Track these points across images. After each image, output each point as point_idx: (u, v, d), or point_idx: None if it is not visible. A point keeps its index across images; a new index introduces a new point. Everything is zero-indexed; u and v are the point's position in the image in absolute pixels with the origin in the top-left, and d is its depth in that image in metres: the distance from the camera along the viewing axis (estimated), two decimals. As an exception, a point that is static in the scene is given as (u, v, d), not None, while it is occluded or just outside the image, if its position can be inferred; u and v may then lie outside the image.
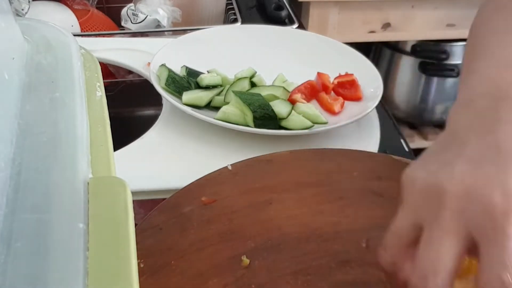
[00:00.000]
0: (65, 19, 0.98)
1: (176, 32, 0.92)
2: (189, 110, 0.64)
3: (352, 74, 0.71)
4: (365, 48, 1.59)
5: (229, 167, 0.52)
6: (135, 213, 0.24)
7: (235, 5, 1.02)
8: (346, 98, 0.69)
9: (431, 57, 1.58)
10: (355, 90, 0.70)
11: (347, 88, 0.70)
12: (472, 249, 0.31)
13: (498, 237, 0.29)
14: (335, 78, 0.71)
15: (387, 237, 0.34)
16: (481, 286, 0.29)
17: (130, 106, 1.06)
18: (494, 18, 0.43)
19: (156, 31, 0.95)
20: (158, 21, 0.94)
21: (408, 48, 1.62)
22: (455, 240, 0.31)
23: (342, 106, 0.68)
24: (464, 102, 0.37)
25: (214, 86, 0.70)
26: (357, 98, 0.69)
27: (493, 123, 0.33)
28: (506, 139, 0.32)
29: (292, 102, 0.66)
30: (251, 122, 0.62)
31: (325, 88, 0.70)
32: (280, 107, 0.64)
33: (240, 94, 0.63)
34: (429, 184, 0.32)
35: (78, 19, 0.99)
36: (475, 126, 0.34)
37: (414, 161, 0.36)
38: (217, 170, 0.51)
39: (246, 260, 0.42)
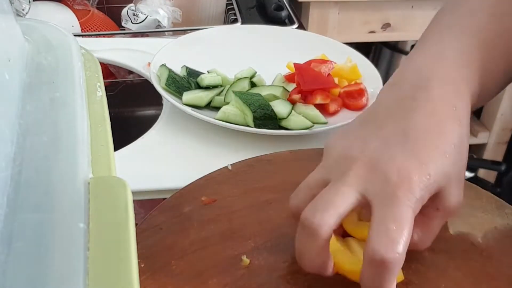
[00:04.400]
0: (66, 19, 0.98)
1: (176, 32, 0.92)
2: (189, 110, 0.64)
3: (360, 83, 0.70)
4: (365, 48, 1.59)
5: (229, 167, 0.52)
6: (135, 213, 0.24)
7: (235, 5, 1.02)
8: (350, 108, 0.67)
9: (431, 57, 1.57)
10: (361, 99, 0.68)
11: (354, 98, 0.68)
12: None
13: (389, 200, 0.35)
14: (343, 87, 0.70)
15: (299, 186, 0.40)
16: (372, 236, 0.35)
17: (131, 106, 1.06)
18: (445, 14, 0.49)
19: (156, 31, 0.95)
20: (159, 21, 0.95)
21: (408, 48, 1.62)
22: (351, 193, 0.36)
23: (340, 106, 0.68)
24: (392, 84, 0.43)
25: (214, 86, 0.70)
26: (360, 108, 0.67)
27: (408, 111, 0.39)
28: (415, 127, 0.38)
29: (292, 102, 0.66)
30: (251, 122, 0.62)
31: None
32: (280, 107, 0.64)
33: (240, 94, 0.64)
34: (344, 152, 0.39)
35: (78, 19, 0.99)
36: (393, 110, 0.40)
37: (337, 132, 0.42)
38: (217, 170, 0.51)
39: (246, 260, 0.42)
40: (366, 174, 0.37)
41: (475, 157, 1.82)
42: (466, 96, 0.41)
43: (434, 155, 0.37)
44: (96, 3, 1.04)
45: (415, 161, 0.37)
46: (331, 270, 0.38)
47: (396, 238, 0.34)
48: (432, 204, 0.38)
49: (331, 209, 0.36)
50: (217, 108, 0.65)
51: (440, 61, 0.43)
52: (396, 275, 0.35)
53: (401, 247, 0.34)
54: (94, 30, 1.00)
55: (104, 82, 0.34)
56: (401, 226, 0.35)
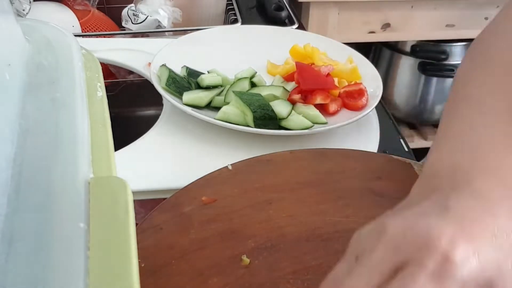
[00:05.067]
0: (66, 20, 0.98)
1: (176, 33, 0.92)
2: (189, 110, 0.64)
3: (360, 83, 0.70)
4: (365, 48, 1.59)
5: (229, 167, 0.52)
6: (135, 213, 0.24)
7: (235, 6, 1.02)
8: (349, 108, 0.67)
9: (431, 57, 1.58)
10: (361, 99, 0.67)
11: (354, 98, 0.68)
12: None
13: (414, 267, 0.29)
14: (343, 87, 0.70)
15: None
16: None
17: (131, 106, 1.06)
18: (470, 79, 0.41)
19: (156, 31, 0.95)
20: (159, 21, 0.95)
21: (407, 48, 1.62)
22: (375, 275, 0.30)
23: (339, 106, 0.68)
24: (424, 178, 0.37)
25: (214, 86, 0.70)
26: (360, 108, 0.67)
27: (449, 191, 0.33)
28: (457, 203, 0.31)
29: (292, 102, 0.66)
30: (251, 122, 0.62)
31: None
32: (280, 107, 0.64)
33: (240, 94, 0.64)
34: (374, 227, 0.32)
35: (79, 20, 0.99)
36: (433, 193, 0.33)
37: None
38: (217, 170, 0.51)
39: (246, 260, 0.42)
40: (395, 243, 0.30)
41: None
42: None
43: (485, 237, 0.30)
44: (96, 3, 1.04)
45: (461, 232, 0.29)
46: None
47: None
48: None
49: None
50: (217, 108, 0.65)
51: (476, 149, 0.35)
52: None
53: None
54: (94, 30, 1.00)
55: (104, 82, 0.34)
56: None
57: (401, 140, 0.70)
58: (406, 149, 0.69)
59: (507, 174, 0.33)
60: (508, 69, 0.39)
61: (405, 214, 0.32)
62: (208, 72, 0.73)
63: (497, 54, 0.40)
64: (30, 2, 0.92)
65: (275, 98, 0.66)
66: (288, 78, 0.72)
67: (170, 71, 0.69)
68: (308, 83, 0.67)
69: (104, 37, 0.95)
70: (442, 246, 0.29)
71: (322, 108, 0.66)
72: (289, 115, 0.64)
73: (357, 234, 0.33)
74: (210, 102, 0.68)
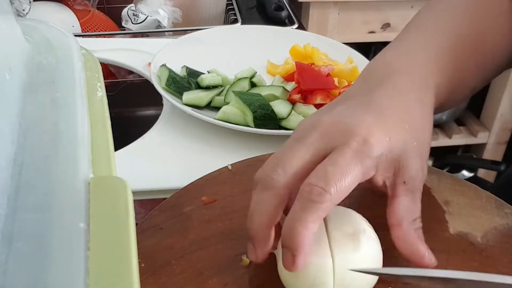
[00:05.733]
0: (66, 20, 0.98)
1: (176, 33, 0.92)
2: (189, 110, 0.64)
3: None
4: (365, 48, 1.59)
5: (229, 167, 0.52)
6: (135, 213, 0.24)
7: (235, 6, 1.02)
8: None
9: (431, 57, 1.57)
10: None
11: None
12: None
13: (341, 149, 0.37)
14: (343, 87, 0.70)
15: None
16: (310, 174, 0.36)
17: (131, 106, 1.06)
18: (422, 13, 0.52)
19: (156, 31, 0.95)
20: (159, 21, 0.95)
21: (408, 48, 1.62)
22: (309, 149, 0.38)
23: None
24: (361, 77, 0.46)
25: (214, 86, 0.70)
26: None
27: (374, 88, 0.42)
28: (379, 100, 0.41)
29: (292, 102, 0.66)
30: (251, 122, 0.62)
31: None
32: (280, 107, 0.64)
33: (240, 94, 0.64)
34: (310, 121, 0.40)
35: (79, 20, 0.99)
36: (362, 90, 0.43)
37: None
38: (217, 170, 0.51)
39: (246, 260, 0.42)
40: (327, 131, 0.38)
41: (475, 157, 1.82)
42: (431, 89, 0.44)
43: (396, 125, 0.39)
44: (96, 3, 1.04)
45: (378, 122, 0.39)
46: (271, 243, 0.38)
47: (329, 177, 0.36)
48: (398, 180, 0.39)
49: (288, 165, 0.37)
50: (217, 108, 0.65)
51: (409, 56, 0.45)
52: (322, 215, 0.36)
53: (331, 186, 0.35)
54: (94, 30, 1.00)
55: (104, 82, 0.34)
56: (339, 170, 0.36)
57: (401, 140, 0.70)
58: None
59: (420, 76, 0.44)
60: (448, 7, 0.51)
61: (337, 108, 0.41)
62: (208, 72, 0.73)
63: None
64: (30, 2, 0.92)
65: (275, 98, 0.66)
66: (288, 78, 0.72)
67: (170, 71, 0.69)
68: (308, 83, 0.67)
69: (104, 37, 0.95)
70: (362, 132, 0.38)
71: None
72: (289, 115, 0.64)
73: (299, 124, 0.41)
74: (210, 102, 0.68)
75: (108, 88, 0.96)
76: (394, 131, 0.39)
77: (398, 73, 0.43)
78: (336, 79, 0.71)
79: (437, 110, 0.48)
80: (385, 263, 0.42)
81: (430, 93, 0.44)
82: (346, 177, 0.36)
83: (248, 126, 0.62)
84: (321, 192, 0.35)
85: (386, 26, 1.50)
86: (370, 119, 0.39)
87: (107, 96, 0.33)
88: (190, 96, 0.67)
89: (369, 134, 0.38)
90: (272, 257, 0.40)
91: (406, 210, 0.40)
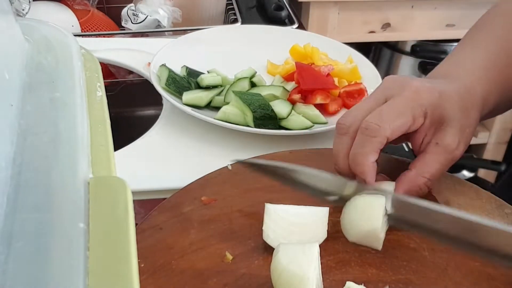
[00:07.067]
0: (66, 19, 0.98)
1: (176, 32, 0.92)
2: (189, 110, 0.64)
3: (360, 83, 0.70)
4: (365, 48, 1.59)
5: (229, 167, 0.52)
6: (135, 213, 0.24)
7: (235, 5, 1.02)
8: (349, 107, 0.67)
9: (431, 57, 1.58)
10: (361, 99, 0.67)
11: (354, 98, 0.68)
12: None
13: (395, 97, 0.45)
14: (343, 87, 0.70)
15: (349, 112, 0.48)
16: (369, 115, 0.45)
17: (131, 106, 1.06)
18: (472, 29, 0.57)
19: (156, 31, 0.95)
20: (158, 21, 0.94)
21: (407, 48, 1.62)
22: (373, 100, 0.46)
23: (340, 106, 0.68)
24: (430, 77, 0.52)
25: (214, 86, 0.70)
26: None
27: (432, 81, 0.49)
28: (436, 81, 0.48)
29: (292, 102, 0.66)
30: (251, 122, 0.62)
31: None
32: (280, 107, 0.64)
33: (240, 94, 0.64)
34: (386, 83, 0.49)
35: (78, 19, 0.99)
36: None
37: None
38: (217, 170, 0.51)
39: (229, 256, 0.42)
40: (388, 86, 0.47)
41: (475, 157, 1.82)
42: (479, 94, 0.49)
43: (450, 95, 0.46)
44: (96, 3, 1.04)
45: (433, 84, 0.46)
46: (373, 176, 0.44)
47: (383, 115, 0.43)
48: (433, 139, 0.45)
49: (357, 114, 0.46)
50: (217, 108, 0.65)
51: (459, 66, 0.51)
52: (378, 147, 0.43)
53: (385, 123, 0.43)
54: (94, 30, 1.00)
55: (104, 82, 0.34)
56: (393, 110, 0.43)
57: (401, 140, 0.70)
58: (407, 149, 0.69)
59: (470, 80, 0.49)
60: (504, 27, 0.55)
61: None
62: (208, 72, 0.73)
63: (499, 18, 0.56)
64: (29, 2, 0.92)
65: (275, 98, 0.66)
66: (288, 78, 0.72)
67: (170, 71, 0.69)
68: (308, 83, 0.67)
69: (103, 37, 0.95)
70: (415, 84, 0.45)
71: (322, 108, 0.66)
72: (289, 115, 0.63)
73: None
74: (210, 102, 0.67)
75: (108, 88, 0.96)
76: (446, 96, 0.45)
77: (451, 76, 0.50)
78: (336, 79, 0.71)
79: (488, 115, 0.54)
80: (385, 264, 0.42)
81: (478, 98, 0.48)
82: (398, 117, 0.43)
83: (248, 126, 0.62)
84: (376, 128, 0.43)
85: (386, 26, 1.50)
86: (426, 82, 0.46)
87: (107, 96, 0.33)
88: (190, 96, 0.66)
89: (421, 87, 0.45)
90: (271, 258, 0.40)
91: (424, 163, 0.45)
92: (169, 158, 0.61)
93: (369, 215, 0.42)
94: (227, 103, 0.65)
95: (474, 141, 1.79)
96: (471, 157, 1.82)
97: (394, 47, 1.64)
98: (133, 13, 0.95)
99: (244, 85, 0.69)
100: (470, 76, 0.50)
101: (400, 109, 0.44)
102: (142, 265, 0.41)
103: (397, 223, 0.43)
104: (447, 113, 0.45)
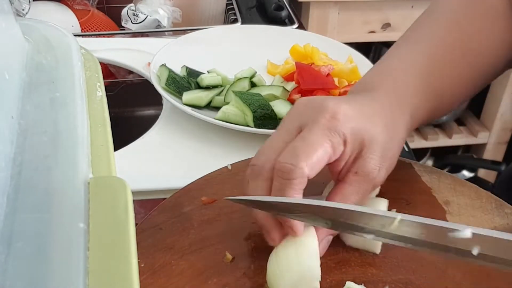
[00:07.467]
0: (66, 19, 0.98)
1: (176, 32, 0.92)
2: (189, 110, 0.64)
3: None
4: (365, 48, 1.59)
5: (229, 167, 0.52)
6: (135, 213, 0.24)
7: (235, 5, 1.02)
8: None
9: (431, 57, 1.57)
10: None
11: None
12: None
13: (310, 125, 0.39)
14: (343, 87, 0.70)
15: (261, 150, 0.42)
16: (282, 153, 0.39)
17: (131, 106, 1.06)
18: (414, 25, 0.53)
19: (156, 31, 0.95)
20: (158, 21, 0.94)
21: (408, 48, 1.62)
22: (285, 131, 0.41)
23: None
24: (354, 90, 0.49)
25: (214, 86, 0.70)
26: None
27: (353, 96, 0.45)
28: (356, 97, 0.44)
29: (292, 102, 0.66)
30: (251, 122, 0.62)
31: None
32: (280, 107, 0.64)
33: (240, 94, 0.64)
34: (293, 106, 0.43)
35: (78, 19, 0.99)
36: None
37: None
38: (217, 170, 0.51)
39: (229, 256, 0.42)
40: (299, 111, 0.41)
41: (475, 157, 1.82)
42: (406, 109, 0.45)
43: (369, 117, 0.41)
44: (96, 3, 1.04)
45: (350, 105, 0.41)
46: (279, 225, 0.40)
47: (298, 152, 0.38)
48: (352, 168, 0.41)
49: (268, 150, 0.40)
50: (217, 108, 0.65)
51: (389, 75, 0.48)
52: (299, 189, 0.38)
53: (300, 161, 0.37)
54: (94, 30, 1.00)
55: (104, 82, 0.34)
56: (307, 143, 0.38)
57: (401, 140, 0.70)
58: (406, 149, 0.69)
59: (397, 93, 0.46)
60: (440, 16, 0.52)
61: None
62: (208, 72, 0.73)
63: (438, 12, 0.53)
64: (29, 2, 0.92)
65: (275, 98, 0.66)
66: (288, 78, 0.72)
67: (170, 71, 0.69)
68: (308, 83, 0.67)
69: (103, 37, 0.95)
70: (331, 108, 0.40)
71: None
72: (289, 115, 0.63)
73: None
74: (210, 102, 0.67)
75: (108, 88, 0.96)
76: (364, 119, 0.41)
77: (377, 90, 0.45)
78: (336, 79, 0.71)
79: (422, 124, 0.49)
80: (384, 264, 0.42)
81: (405, 116, 0.45)
82: (315, 151, 0.38)
83: (248, 126, 0.62)
84: (291, 168, 0.37)
85: (386, 26, 1.50)
86: (343, 102, 0.41)
87: (107, 96, 0.33)
88: (190, 96, 0.66)
89: (339, 110, 0.39)
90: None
91: (343, 196, 0.41)
92: (169, 158, 0.61)
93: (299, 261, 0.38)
94: (227, 103, 0.65)
95: (474, 141, 1.79)
96: (471, 157, 1.82)
97: (394, 47, 1.64)
98: (133, 13, 0.95)
99: (244, 85, 0.69)
100: (398, 90, 0.46)
101: (316, 140, 0.38)
102: (142, 265, 0.41)
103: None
104: (368, 137, 0.40)
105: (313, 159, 0.38)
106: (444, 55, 0.48)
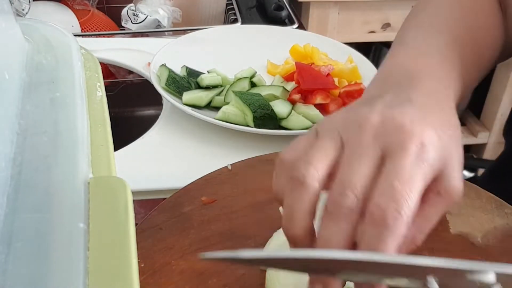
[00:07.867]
0: (66, 19, 0.98)
1: (176, 32, 0.92)
2: (189, 110, 0.64)
3: (360, 83, 0.70)
4: (365, 48, 1.59)
5: (229, 167, 0.52)
6: (135, 213, 0.24)
7: (235, 5, 1.02)
8: None
9: (431, 57, 1.58)
10: None
11: (354, 98, 0.68)
12: None
13: (397, 152, 0.33)
14: (343, 87, 0.70)
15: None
16: (376, 192, 0.32)
17: (131, 106, 1.06)
18: (419, 13, 0.51)
19: (156, 31, 0.95)
20: (158, 21, 0.95)
21: (408, 48, 1.62)
22: (368, 156, 0.33)
23: (340, 106, 0.68)
24: (380, 79, 0.42)
25: (214, 86, 0.70)
26: None
27: (407, 88, 0.38)
28: (417, 97, 0.37)
29: (292, 102, 0.66)
30: (251, 122, 0.62)
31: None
32: (280, 107, 0.64)
33: (240, 94, 0.64)
34: (352, 118, 0.35)
35: (78, 19, 0.99)
36: (392, 89, 0.38)
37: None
38: (217, 170, 0.51)
39: None
40: (380, 132, 0.34)
41: (475, 157, 1.82)
42: (451, 90, 0.41)
43: (442, 124, 0.35)
44: (96, 3, 1.04)
45: (426, 119, 0.35)
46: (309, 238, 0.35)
47: (398, 197, 0.31)
48: (434, 188, 0.35)
49: (353, 181, 0.33)
50: (217, 108, 0.65)
51: (421, 58, 0.43)
52: (397, 240, 0.31)
53: (403, 207, 0.31)
54: (94, 30, 1.00)
55: (104, 82, 0.34)
56: (406, 185, 0.32)
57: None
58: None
59: (442, 77, 0.41)
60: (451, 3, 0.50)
61: (375, 107, 0.35)
62: (208, 72, 0.73)
63: None
64: (29, 2, 0.92)
65: (275, 98, 0.66)
66: (288, 78, 0.72)
67: (170, 71, 0.69)
68: (308, 83, 0.67)
69: (103, 37, 0.95)
70: (417, 132, 0.33)
71: (322, 108, 0.66)
72: (289, 115, 0.63)
73: (328, 122, 0.36)
74: (210, 102, 0.67)
75: (108, 88, 0.96)
76: (444, 138, 0.35)
77: (420, 76, 0.40)
78: (336, 79, 0.71)
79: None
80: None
81: (452, 99, 0.40)
82: (414, 192, 0.32)
83: (248, 126, 0.62)
84: (396, 216, 0.31)
85: (386, 26, 1.50)
86: (421, 119, 0.35)
87: (107, 96, 0.33)
88: (190, 96, 0.66)
89: (424, 135, 0.34)
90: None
91: (425, 219, 0.35)
92: (169, 158, 0.61)
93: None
94: (227, 103, 0.65)
95: (474, 141, 1.79)
96: (471, 157, 1.82)
97: (394, 47, 1.64)
98: (133, 13, 0.95)
99: (244, 85, 0.69)
100: (441, 73, 0.42)
101: (413, 179, 0.32)
102: (142, 265, 0.41)
103: None
104: (448, 156, 0.35)
105: (413, 202, 0.32)
106: (460, 44, 0.46)
